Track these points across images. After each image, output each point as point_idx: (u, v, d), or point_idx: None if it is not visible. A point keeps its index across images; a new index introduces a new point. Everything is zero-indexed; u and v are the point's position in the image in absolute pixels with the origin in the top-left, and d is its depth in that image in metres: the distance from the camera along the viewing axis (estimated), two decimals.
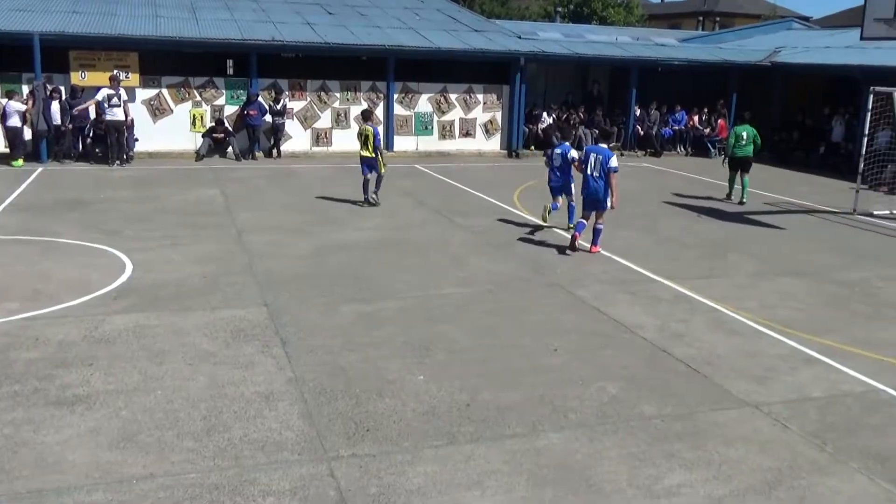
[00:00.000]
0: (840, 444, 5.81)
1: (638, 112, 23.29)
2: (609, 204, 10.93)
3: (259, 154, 19.71)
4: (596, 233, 11.16)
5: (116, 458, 5.24)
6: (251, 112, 19.24)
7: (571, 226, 11.82)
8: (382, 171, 13.73)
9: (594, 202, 11.01)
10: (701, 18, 53.16)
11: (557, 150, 12.28)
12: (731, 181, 16.06)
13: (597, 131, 17.04)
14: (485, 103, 21.81)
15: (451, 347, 7.44)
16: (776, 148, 22.70)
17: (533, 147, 22.15)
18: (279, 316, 8.09)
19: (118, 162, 17.62)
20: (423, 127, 21.31)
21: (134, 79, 18.55)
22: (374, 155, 13.47)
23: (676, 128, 23.67)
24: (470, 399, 6.34)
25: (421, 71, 21.39)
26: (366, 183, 13.88)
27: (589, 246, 11.14)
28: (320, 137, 20.58)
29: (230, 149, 19.32)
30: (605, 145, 11.31)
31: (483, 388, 6.54)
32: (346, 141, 20.56)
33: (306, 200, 14.39)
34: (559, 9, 42.44)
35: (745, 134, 15.80)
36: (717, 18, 51.66)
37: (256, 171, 17.75)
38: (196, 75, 19.45)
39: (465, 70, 22.09)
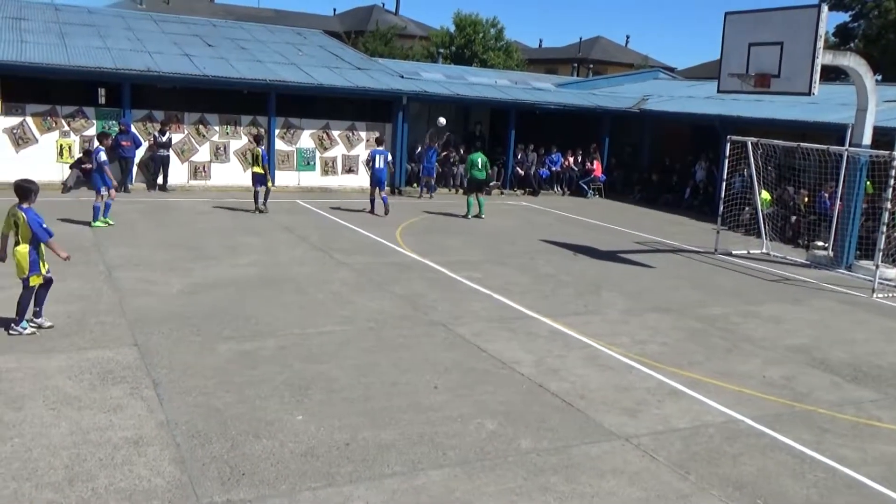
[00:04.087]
0: (702, 473, 6.13)
1: (519, 155, 24.05)
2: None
3: (132, 187, 18.98)
4: (385, 200, 17.52)
5: None
6: (124, 143, 18.55)
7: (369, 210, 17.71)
8: (270, 185, 17.05)
9: (382, 182, 17.67)
10: (576, 65, 55.61)
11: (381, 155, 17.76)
12: (469, 202, 18.30)
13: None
14: (367, 140, 21.92)
15: (331, 386, 7.36)
16: (645, 190, 23.96)
17: (415, 184, 22.42)
18: (151, 356, 7.78)
19: None
20: (306, 163, 21.17)
21: None
22: (263, 171, 16.65)
23: (553, 168, 24.56)
24: (349, 438, 6.29)
25: (303, 107, 21.33)
26: (256, 195, 16.80)
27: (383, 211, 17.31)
28: (198, 171, 20.07)
29: None
30: (382, 147, 18.00)
31: (363, 427, 6.50)
32: (226, 175, 20.20)
33: (181, 236, 13.96)
34: (441, 50, 43.32)
35: (479, 161, 18.39)
36: (591, 65, 54.19)
37: (129, 204, 17.06)
38: (64, 104, 18.61)
39: (348, 107, 22.20)
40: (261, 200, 16.81)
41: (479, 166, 18.36)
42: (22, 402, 6.51)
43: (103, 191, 14.33)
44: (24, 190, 8.11)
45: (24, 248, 8.03)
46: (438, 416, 6.86)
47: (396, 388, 7.42)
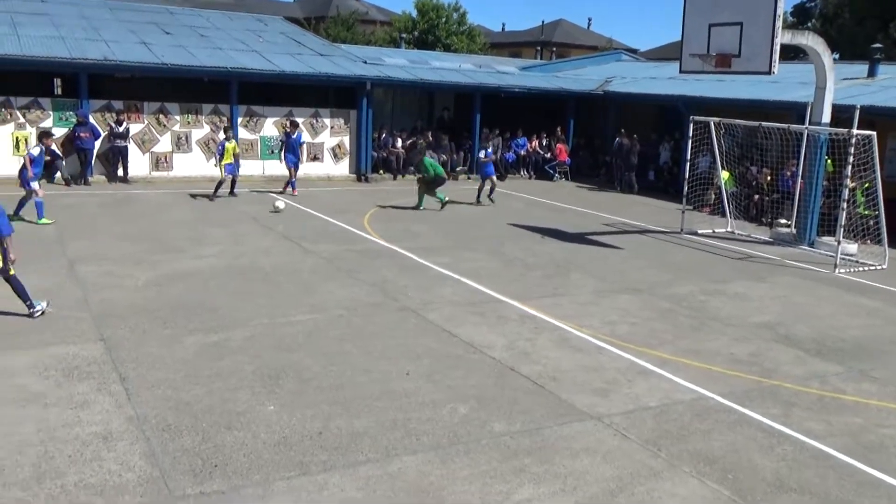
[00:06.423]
0: (673, 450, 6.21)
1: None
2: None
3: (92, 179, 18.60)
4: (294, 184, 18.41)
5: None
6: (83, 135, 18.17)
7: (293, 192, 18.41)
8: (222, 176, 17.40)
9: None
10: (539, 48, 55.57)
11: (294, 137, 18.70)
12: (423, 195, 17.49)
13: (443, 156, 21.12)
14: (332, 127, 21.73)
15: (303, 375, 7.32)
16: (611, 172, 24.07)
17: (382, 171, 22.31)
18: (117, 351, 7.66)
19: None
20: (270, 151, 20.92)
21: None
22: (232, 161, 17.41)
23: (521, 152, 24.56)
24: (322, 427, 6.26)
25: (265, 94, 21.06)
26: (231, 182, 17.55)
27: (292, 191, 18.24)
28: (160, 162, 19.74)
29: (58, 174, 18.13)
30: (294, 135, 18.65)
31: (336, 415, 6.48)
32: (188, 165, 19.93)
33: (145, 228, 13.74)
34: (404, 35, 43.03)
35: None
36: (554, 49, 54.22)
37: (89, 197, 16.75)
38: (19, 95, 18.15)
39: (311, 94, 21.96)
40: (225, 189, 17.41)
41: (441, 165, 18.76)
42: None
43: (34, 185, 13.54)
44: None
45: None
46: (411, 402, 6.86)
47: (368, 376, 7.40)
